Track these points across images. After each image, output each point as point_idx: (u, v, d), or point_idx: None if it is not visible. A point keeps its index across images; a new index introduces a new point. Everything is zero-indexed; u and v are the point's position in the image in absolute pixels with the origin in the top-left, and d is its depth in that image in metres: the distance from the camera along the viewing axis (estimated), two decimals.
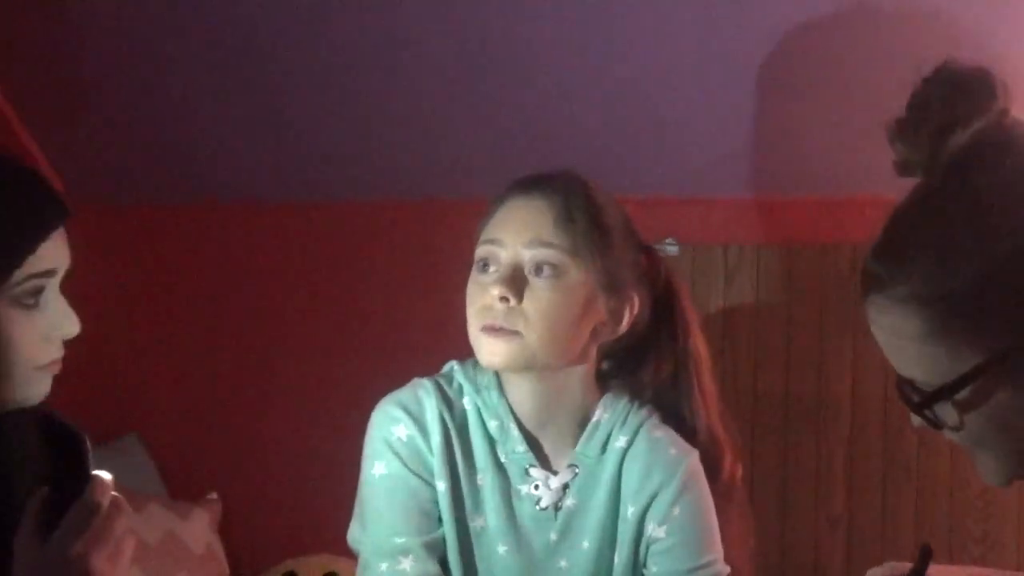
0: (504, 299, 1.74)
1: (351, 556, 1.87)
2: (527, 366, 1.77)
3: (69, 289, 1.48)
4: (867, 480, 2.82)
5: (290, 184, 3.15)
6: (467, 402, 1.83)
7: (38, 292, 1.43)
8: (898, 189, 1.28)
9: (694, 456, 1.84)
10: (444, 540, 1.80)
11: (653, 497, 1.80)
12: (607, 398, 1.85)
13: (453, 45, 2.74)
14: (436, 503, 1.80)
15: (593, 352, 1.83)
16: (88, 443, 1.34)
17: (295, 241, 3.21)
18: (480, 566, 1.81)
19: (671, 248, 2.83)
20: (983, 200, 1.20)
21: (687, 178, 2.84)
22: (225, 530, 3.13)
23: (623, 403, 1.85)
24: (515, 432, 1.81)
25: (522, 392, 1.81)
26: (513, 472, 1.81)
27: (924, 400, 1.24)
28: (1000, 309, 1.18)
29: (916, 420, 1.28)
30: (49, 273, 1.44)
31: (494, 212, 1.81)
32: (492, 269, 1.77)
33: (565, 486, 1.82)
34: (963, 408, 1.22)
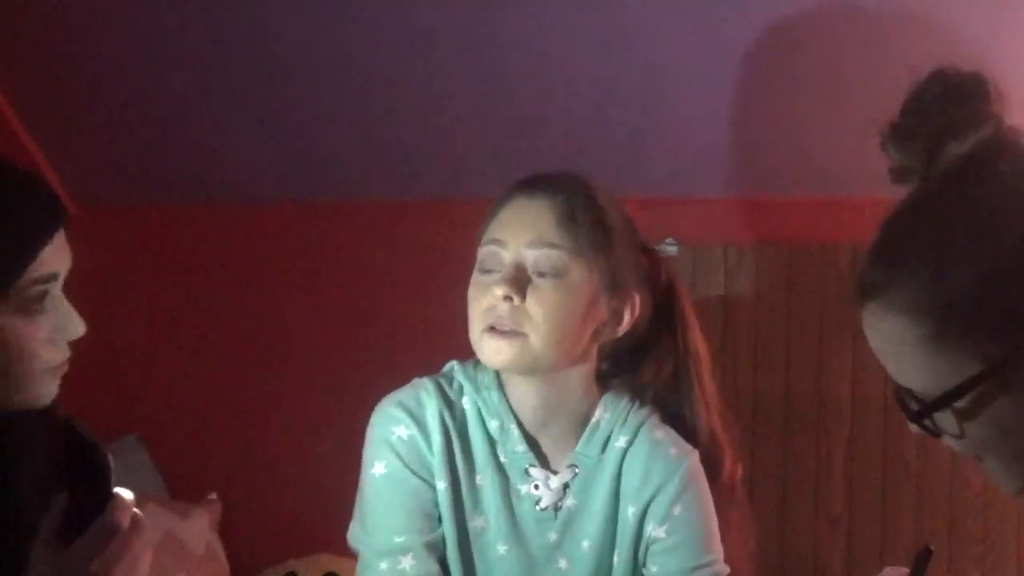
0: (508, 299, 1.74)
1: (351, 556, 1.87)
2: (530, 366, 1.77)
3: (69, 289, 1.48)
4: (867, 480, 2.82)
5: (290, 184, 3.15)
6: (467, 402, 1.83)
7: (42, 297, 1.43)
8: (897, 190, 1.28)
9: (694, 456, 1.84)
10: (444, 540, 1.80)
11: (653, 497, 1.80)
12: (607, 398, 1.85)
13: (454, 45, 2.74)
14: (436, 503, 1.80)
15: (594, 352, 1.83)
16: (110, 458, 1.34)
17: (295, 241, 3.21)
18: (480, 566, 1.81)
19: (671, 248, 2.83)
20: (980, 207, 1.19)
21: (687, 178, 2.84)
22: (225, 530, 3.13)
23: (623, 403, 1.85)
24: (515, 432, 1.81)
25: (523, 392, 1.81)
26: (513, 472, 1.81)
27: (923, 409, 1.24)
28: (998, 316, 1.18)
29: (914, 428, 1.28)
30: (52, 277, 1.44)
31: (496, 212, 1.81)
32: (495, 269, 1.77)
33: (565, 486, 1.82)
34: (963, 416, 1.22)
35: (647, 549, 1.81)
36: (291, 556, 3.04)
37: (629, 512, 1.81)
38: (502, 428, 1.81)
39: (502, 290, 1.74)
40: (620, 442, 1.82)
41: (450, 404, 1.82)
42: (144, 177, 3.23)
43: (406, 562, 1.76)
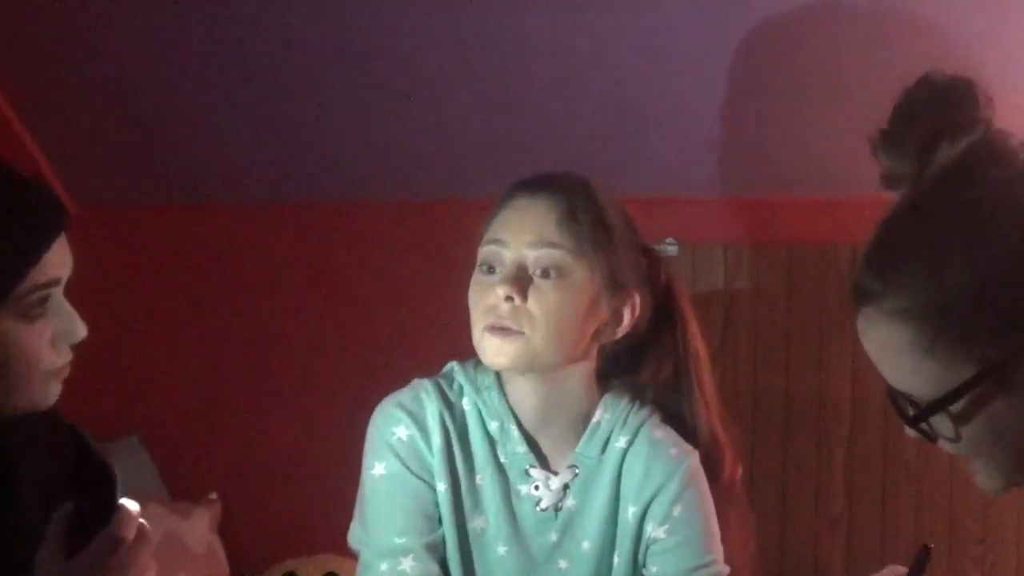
0: (509, 299, 1.74)
1: (351, 556, 1.87)
2: (531, 367, 1.77)
3: (69, 289, 1.48)
4: (867, 480, 2.83)
5: (290, 184, 3.15)
6: (467, 403, 1.83)
7: (43, 302, 1.43)
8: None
9: (694, 456, 1.84)
10: (444, 540, 1.80)
11: (653, 497, 1.80)
12: (607, 398, 1.85)
13: (454, 45, 2.74)
14: (436, 504, 1.79)
15: (594, 352, 1.83)
16: (116, 472, 1.34)
17: (295, 241, 3.21)
18: (480, 567, 1.81)
19: (671, 248, 2.83)
20: (973, 211, 1.20)
21: (687, 178, 2.84)
22: (225, 530, 3.13)
23: (623, 403, 1.85)
24: (515, 433, 1.81)
25: (523, 393, 1.81)
26: (513, 473, 1.81)
27: (919, 413, 1.24)
28: (993, 319, 1.18)
29: (911, 432, 1.28)
30: (53, 282, 1.44)
31: (497, 212, 1.81)
32: (496, 269, 1.77)
33: (565, 487, 1.82)
34: (959, 419, 1.22)
35: (647, 549, 1.81)
36: (291, 556, 3.04)
37: (629, 512, 1.81)
38: (502, 429, 1.81)
39: (503, 290, 1.74)
40: (620, 442, 1.82)
41: (450, 405, 1.82)
42: (144, 177, 3.23)
43: (406, 563, 1.76)
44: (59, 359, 1.46)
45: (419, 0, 2.68)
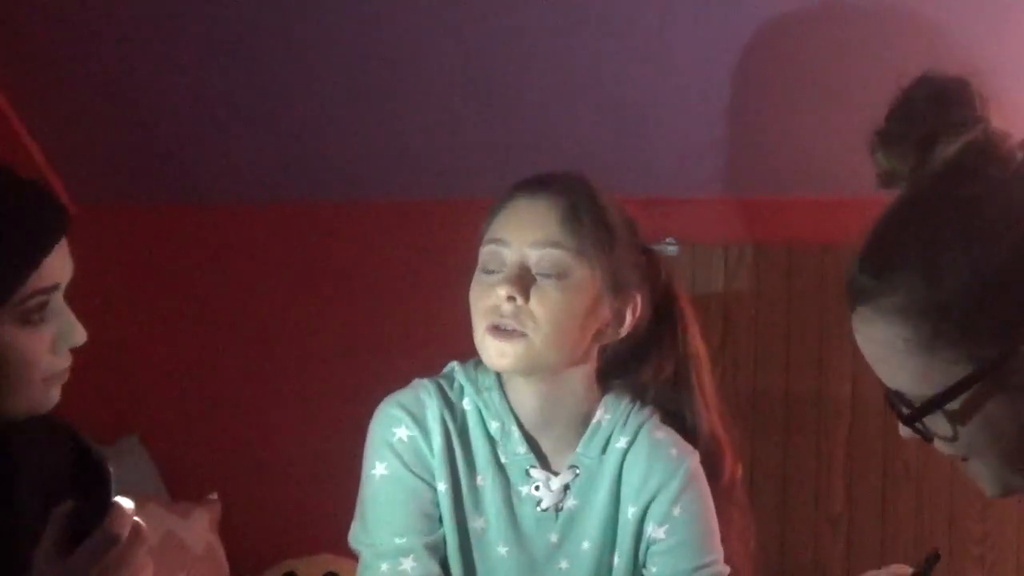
0: (511, 299, 1.74)
1: (351, 556, 1.87)
2: (533, 368, 1.77)
3: (69, 290, 1.48)
4: (867, 480, 2.82)
5: (290, 184, 3.15)
6: (468, 403, 1.83)
7: (43, 307, 1.43)
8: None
9: (695, 457, 1.84)
10: (445, 541, 1.80)
11: (653, 497, 1.80)
12: (608, 399, 1.85)
13: (454, 46, 2.74)
14: (437, 504, 1.79)
15: (595, 353, 1.83)
16: (111, 470, 1.34)
17: (295, 241, 3.21)
18: (480, 567, 1.81)
19: (671, 248, 2.83)
20: (969, 210, 1.20)
21: (687, 178, 2.84)
22: (225, 530, 3.13)
23: (624, 404, 1.85)
24: (516, 433, 1.81)
25: (524, 393, 1.81)
26: (514, 473, 1.81)
27: (915, 412, 1.24)
28: (989, 318, 1.19)
29: (905, 432, 1.28)
30: (53, 288, 1.43)
31: (498, 212, 1.80)
32: (498, 269, 1.77)
33: (566, 487, 1.82)
34: (955, 419, 1.22)
35: (647, 549, 1.81)
36: (291, 556, 3.04)
37: (629, 513, 1.81)
38: (503, 429, 1.81)
39: (505, 290, 1.74)
40: (620, 443, 1.82)
41: (451, 405, 1.82)
42: (144, 177, 3.23)
43: (407, 563, 1.76)
44: (59, 363, 1.46)
45: (419, 0, 2.68)
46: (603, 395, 1.85)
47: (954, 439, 1.24)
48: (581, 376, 1.82)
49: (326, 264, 3.19)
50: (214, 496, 3.16)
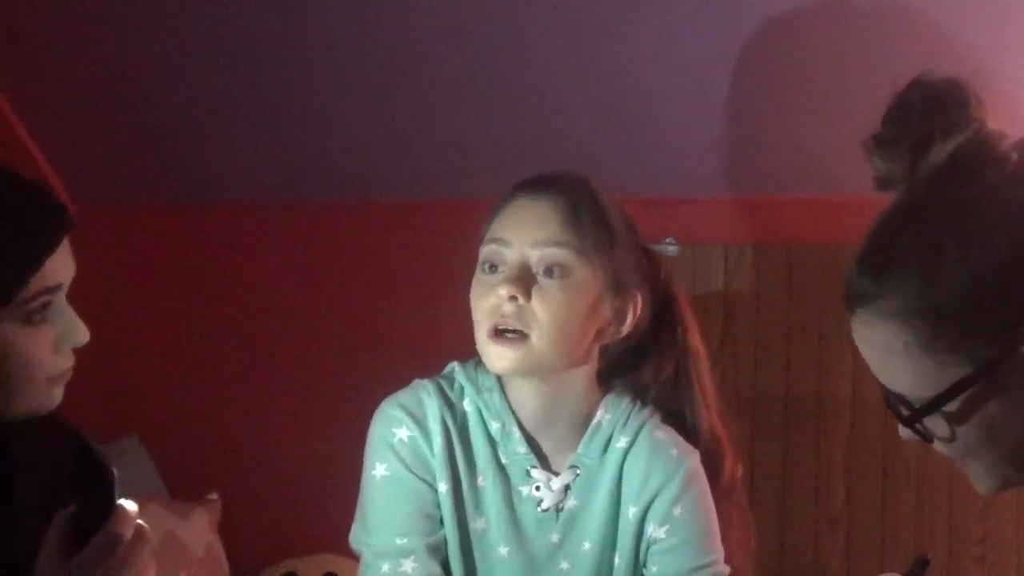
0: (513, 299, 1.73)
1: (351, 556, 1.87)
2: (534, 369, 1.76)
3: (69, 290, 1.48)
4: (867, 480, 2.83)
5: (290, 184, 3.15)
6: (468, 403, 1.83)
7: (45, 307, 1.43)
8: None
9: (695, 457, 1.84)
10: (446, 541, 1.80)
11: (654, 497, 1.80)
12: (609, 399, 1.85)
13: (453, 46, 2.74)
14: (437, 504, 1.79)
15: (595, 353, 1.83)
16: (115, 472, 1.35)
17: (295, 241, 3.21)
18: (481, 567, 1.81)
19: (671, 248, 2.83)
20: (966, 211, 1.20)
21: (687, 178, 2.84)
22: (225, 530, 3.12)
23: (624, 404, 1.85)
24: (516, 434, 1.81)
25: (524, 394, 1.81)
26: (514, 473, 1.81)
27: (914, 413, 1.24)
28: (987, 319, 1.19)
29: (905, 433, 1.28)
30: (56, 288, 1.43)
31: (499, 212, 1.80)
32: (499, 269, 1.77)
33: (566, 487, 1.81)
34: (953, 419, 1.23)
35: (648, 549, 1.81)
36: (291, 556, 3.04)
37: (630, 513, 1.81)
38: (503, 429, 1.81)
39: (507, 290, 1.73)
40: (621, 443, 1.82)
41: (451, 405, 1.82)
42: (144, 177, 3.23)
43: (408, 564, 1.76)
44: (61, 363, 1.46)
45: (420, 1, 2.68)
46: (604, 395, 1.85)
47: (953, 440, 1.24)
48: (582, 376, 1.82)
49: (326, 264, 3.19)
50: (214, 496, 3.15)
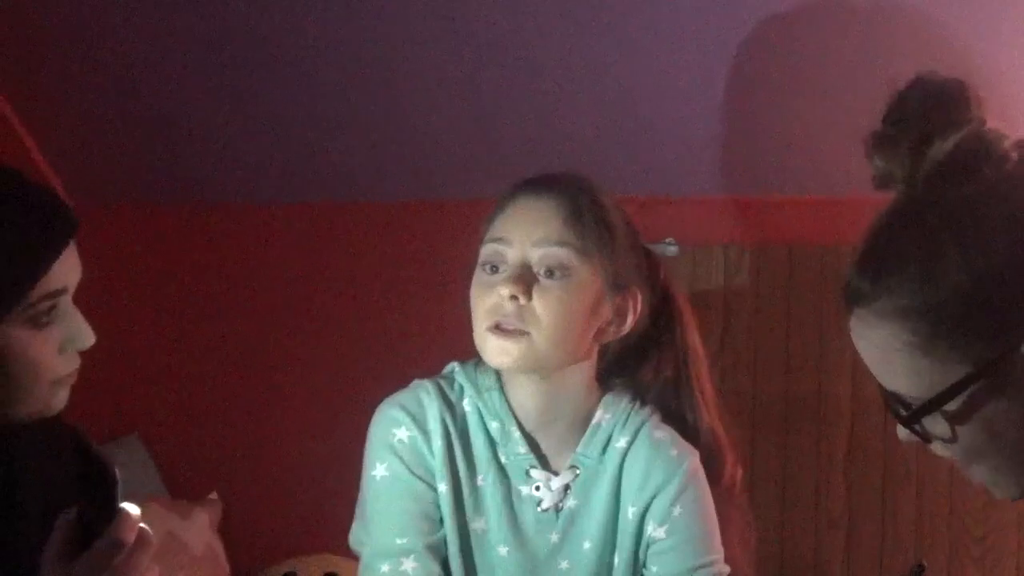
0: (514, 298, 1.73)
1: (351, 556, 1.87)
2: (534, 366, 1.76)
3: None
4: (867, 480, 2.83)
5: (290, 184, 3.15)
6: (468, 403, 1.83)
7: (51, 310, 1.43)
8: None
9: (695, 456, 1.84)
10: (445, 541, 1.80)
11: (653, 497, 1.80)
12: (608, 399, 1.85)
13: (453, 46, 2.74)
14: (437, 505, 1.79)
15: (595, 353, 1.83)
16: (118, 476, 1.34)
17: (295, 241, 3.21)
18: (481, 567, 1.81)
19: (671, 248, 2.83)
20: (965, 210, 1.20)
21: (687, 178, 2.84)
22: (225, 530, 3.13)
23: (624, 404, 1.85)
24: (516, 434, 1.81)
25: (524, 393, 1.81)
26: (514, 473, 1.81)
27: (914, 413, 1.24)
28: (986, 318, 1.19)
29: (903, 434, 1.28)
30: (62, 291, 1.43)
31: (500, 211, 1.80)
32: (500, 268, 1.77)
33: (566, 487, 1.81)
34: (954, 420, 1.22)
35: (647, 549, 1.81)
36: (291, 556, 3.04)
37: (630, 512, 1.81)
38: (503, 430, 1.81)
39: (508, 289, 1.73)
40: (621, 443, 1.82)
41: (451, 406, 1.82)
42: (144, 177, 3.23)
43: (408, 564, 1.76)
44: (67, 366, 1.46)
45: (420, 1, 2.68)
46: (603, 395, 1.85)
47: (953, 440, 1.24)
48: (581, 376, 1.82)
49: (326, 264, 3.19)
50: (214, 496, 3.16)
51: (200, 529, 3.05)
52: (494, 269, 1.77)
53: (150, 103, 3.04)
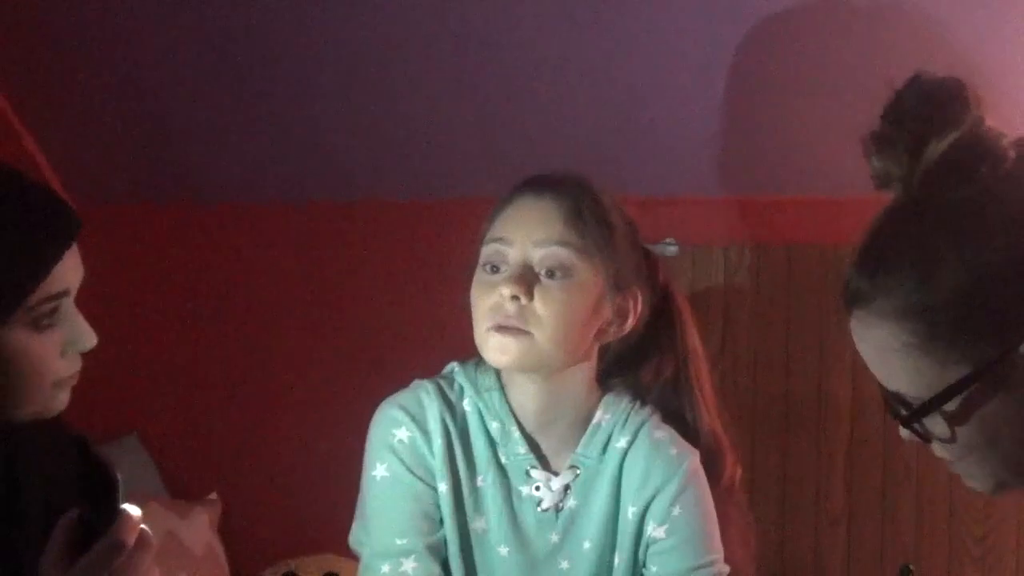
0: (515, 298, 1.73)
1: (351, 556, 1.87)
2: (535, 366, 1.76)
3: None
4: (867, 480, 2.83)
5: (290, 184, 3.15)
6: (468, 404, 1.83)
7: (53, 312, 1.43)
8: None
9: (695, 457, 1.84)
10: (446, 542, 1.80)
11: (653, 497, 1.80)
12: (608, 399, 1.85)
13: (454, 46, 2.74)
14: (437, 505, 1.79)
15: (595, 352, 1.83)
16: (119, 477, 1.34)
17: (295, 241, 3.21)
18: (481, 568, 1.81)
19: (671, 248, 2.83)
20: (963, 210, 1.20)
21: (687, 178, 2.84)
22: (225, 530, 3.13)
23: (624, 404, 1.85)
24: (516, 434, 1.81)
25: (525, 393, 1.81)
26: (514, 474, 1.81)
27: (913, 413, 1.24)
28: (985, 318, 1.19)
29: (904, 433, 1.28)
30: (63, 293, 1.43)
31: (501, 211, 1.80)
32: (501, 268, 1.77)
33: (566, 487, 1.81)
34: (953, 419, 1.22)
35: (647, 549, 1.81)
36: (291, 556, 3.04)
37: (629, 512, 1.81)
38: (503, 430, 1.81)
39: (509, 289, 1.73)
40: (621, 443, 1.82)
41: (451, 406, 1.82)
42: (145, 177, 3.23)
43: (408, 564, 1.76)
44: (69, 368, 1.46)
45: (420, 1, 2.68)
46: (603, 395, 1.85)
47: (952, 440, 1.24)
48: (581, 376, 1.82)
49: (326, 264, 3.19)
50: (214, 496, 3.16)
51: (200, 529, 3.05)
52: (495, 269, 1.77)
53: (150, 103, 3.05)
